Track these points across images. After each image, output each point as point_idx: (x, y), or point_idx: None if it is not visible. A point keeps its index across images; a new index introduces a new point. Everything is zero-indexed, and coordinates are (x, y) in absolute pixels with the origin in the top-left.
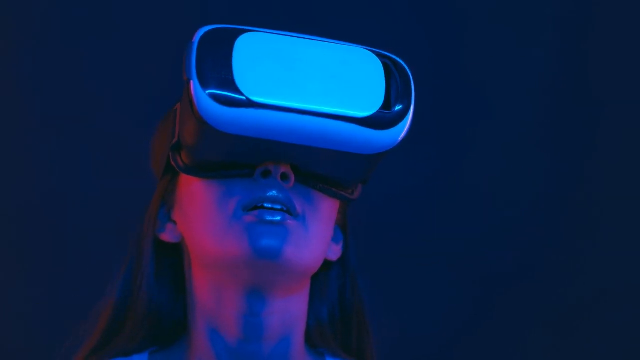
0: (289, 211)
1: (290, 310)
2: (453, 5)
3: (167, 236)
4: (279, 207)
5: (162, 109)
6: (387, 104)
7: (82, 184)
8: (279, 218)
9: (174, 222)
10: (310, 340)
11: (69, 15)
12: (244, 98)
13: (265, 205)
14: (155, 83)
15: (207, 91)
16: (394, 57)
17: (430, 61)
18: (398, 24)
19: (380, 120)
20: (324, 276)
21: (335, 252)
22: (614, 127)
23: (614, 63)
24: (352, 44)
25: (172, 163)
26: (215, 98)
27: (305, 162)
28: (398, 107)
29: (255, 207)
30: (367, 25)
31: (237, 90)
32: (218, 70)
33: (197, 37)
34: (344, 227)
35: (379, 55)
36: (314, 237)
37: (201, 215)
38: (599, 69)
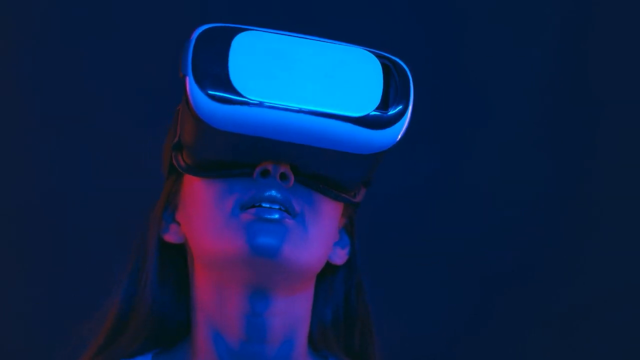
0: (287, 211)
1: (293, 311)
2: (452, 5)
3: (170, 237)
4: (277, 206)
5: (162, 110)
6: (384, 104)
7: (82, 184)
8: (276, 216)
9: (178, 223)
10: (313, 344)
11: (69, 15)
12: (238, 95)
13: (264, 204)
14: (156, 83)
15: (202, 88)
16: (394, 58)
17: (429, 61)
18: (397, 24)
19: (376, 120)
20: (330, 280)
21: (340, 257)
22: (614, 127)
23: (613, 63)
24: (351, 45)
25: (174, 162)
26: (210, 95)
27: (305, 162)
28: (395, 108)
29: (253, 206)
30: (366, 25)
31: (231, 87)
32: (213, 67)
33: (194, 35)
34: (351, 232)
35: (378, 56)
36: (313, 237)
37: (201, 213)
38: (598, 69)
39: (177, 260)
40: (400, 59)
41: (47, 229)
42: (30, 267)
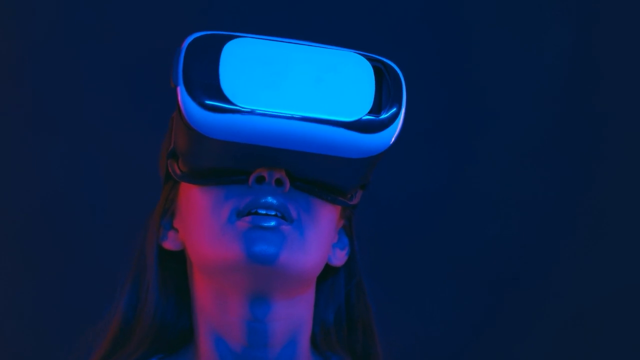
0: (284, 217)
1: (294, 316)
2: (460, 12)
3: (169, 244)
4: (273, 212)
5: (168, 115)
6: (377, 107)
7: (89, 190)
8: (273, 224)
9: (176, 230)
10: (316, 346)
11: (74, 22)
12: (229, 104)
13: (260, 211)
14: (163, 89)
15: (194, 97)
16: (385, 60)
17: (437, 67)
18: (406, 30)
19: (369, 124)
20: (331, 282)
21: (339, 258)
22: (622, 133)
23: (622, 70)
24: (343, 48)
25: (169, 170)
26: (201, 104)
27: (299, 167)
28: (388, 111)
29: (250, 213)
30: (373, 29)
31: (223, 96)
32: (204, 76)
33: (185, 44)
34: (349, 233)
35: (370, 59)
36: (310, 242)
37: (197, 221)
38: (607, 75)
39: (177, 267)
40: (409, 64)
41: (54, 234)
42: (36, 272)
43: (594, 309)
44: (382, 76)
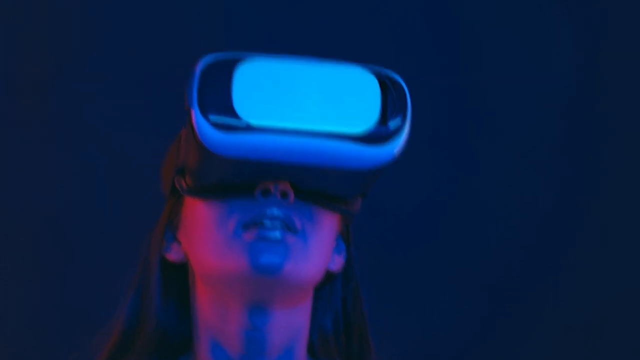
0: (288, 227)
1: (292, 324)
2: (466, 22)
3: (172, 256)
4: (278, 224)
5: (176, 125)
6: (383, 119)
7: (90, 190)
8: (278, 235)
9: (179, 242)
10: (314, 354)
11: (73, 22)
12: (242, 122)
13: (265, 222)
14: (173, 99)
15: (208, 119)
16: (389, 72)
17: (441, 77)
18: (411, 39)
19: (375, 136)
20: (329, 288)
21: (337, 263)
22: (626, 141)
23: (627, 76)
24: (348, 63)
25: (177, 186)
26: (216, 125)
27: (304, 179)
28: (394, 122)
29: (255, 225)
30: (378, 40)
31: (236, 116)
32: (218, 98)
33: (198, 67)
34: (346, 238)
35: (374, 71)
36: (313, 251)
37: (203, 234)
38: (612, 83)
39: (179, 277)
40: (413, 74)
41: (54, 235)
42: (36, 272)
43: (596, 314)
44: (387, 88)
